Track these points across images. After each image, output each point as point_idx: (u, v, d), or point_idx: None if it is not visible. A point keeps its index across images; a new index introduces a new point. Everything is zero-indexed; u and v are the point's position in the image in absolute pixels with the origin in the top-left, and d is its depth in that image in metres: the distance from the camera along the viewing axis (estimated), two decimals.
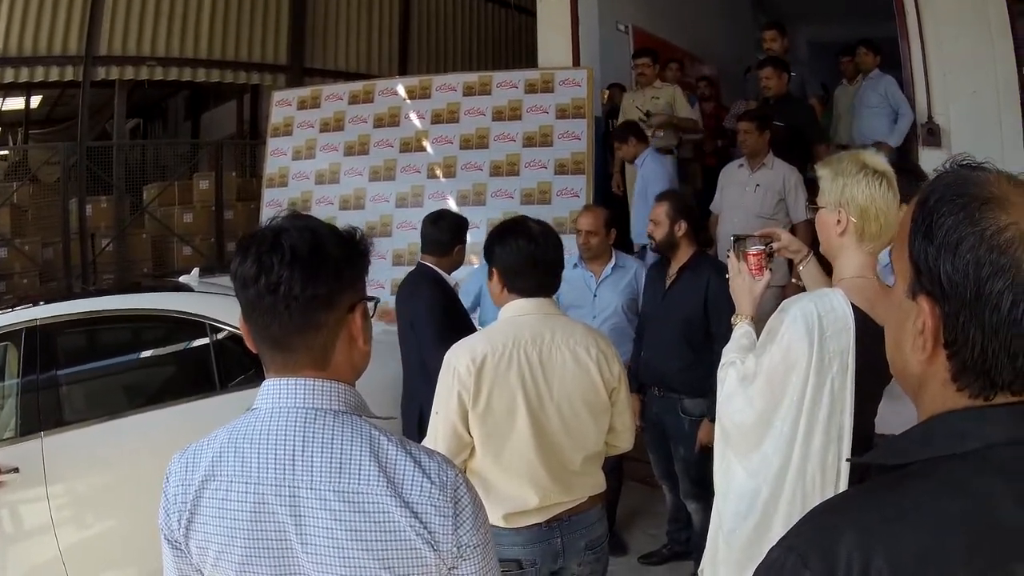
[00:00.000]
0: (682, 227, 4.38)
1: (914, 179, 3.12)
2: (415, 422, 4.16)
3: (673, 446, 4.51)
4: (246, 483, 1.49)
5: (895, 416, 2.43)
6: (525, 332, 2.72)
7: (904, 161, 5.39)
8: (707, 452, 3.42)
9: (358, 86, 8.45)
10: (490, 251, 2.86)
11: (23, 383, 4.08)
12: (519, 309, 2.79)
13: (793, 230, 5.45)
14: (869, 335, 2.21)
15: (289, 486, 1.47)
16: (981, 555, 0.89)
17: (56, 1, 10.67)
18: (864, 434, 2.38)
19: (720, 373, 2.60)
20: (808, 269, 2.73)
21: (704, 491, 3.87)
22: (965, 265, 0.96)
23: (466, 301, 5.03)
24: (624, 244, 6.14)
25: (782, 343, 2.34)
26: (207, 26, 11.90)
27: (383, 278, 7.08)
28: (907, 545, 0.92)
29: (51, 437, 3.98)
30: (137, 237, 10.94)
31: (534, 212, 4.94)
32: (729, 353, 2.61)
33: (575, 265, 5.01)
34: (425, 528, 1.46)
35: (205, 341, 4.45)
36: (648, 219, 4.59)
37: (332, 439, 1.49)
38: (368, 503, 1.45)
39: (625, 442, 2.97)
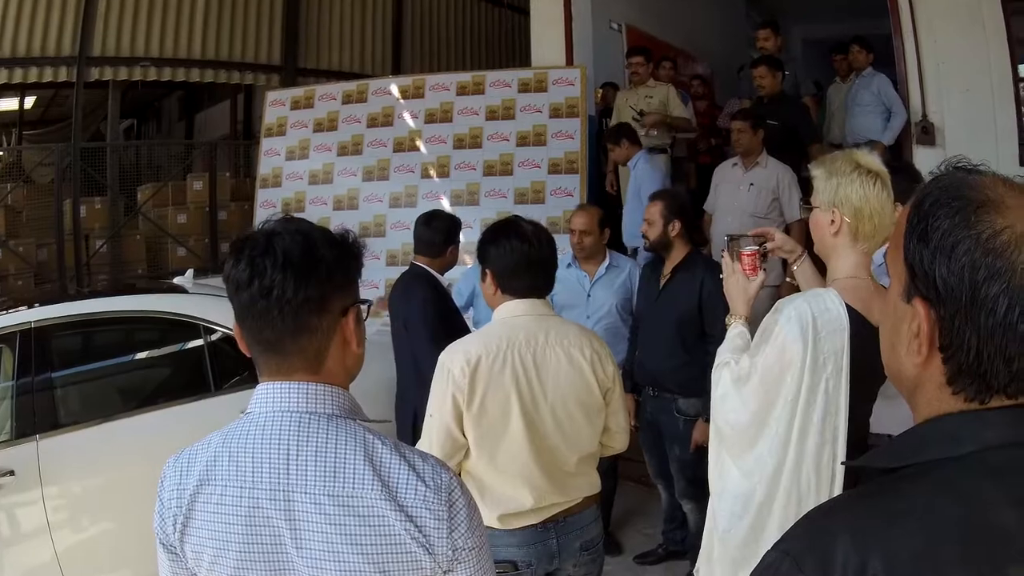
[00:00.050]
0: (676, 227, 4.38)
1: (909, 178, 3.12)
2: (409, 422, 4.17)
3: (668, 446, 4.51)
4: (241, 487, 1.48)
5: (890, 416, 2.44)
6: (519, 333, 2.72)
7: (898, 160, 5.40)
8: (702, 452, 3.42)
9: (351, 86, 8.43)
10: (483, 252, 2.85)
11: (18, 385, 4.06)
12: (513, 310, 2.78)
13: (787, 229, 5.46)
14: (863, 336, 2.21)
15: (284, 490, 1.47)
16: (976, 558, 0.89)
17: (49, 2, 10.68)
18: (859, 435, 2.38)
19: (714, 373, 2.59)
20: (802, 269, 2.73)
21: (699, 491, 3.87)
22: (960, 269, 0.96)
23: (459, 301, 5.03)
24: (616, 246, 6.14)
25: (776, 343, 2.34)
26: (200, 26, 11.89)
27: (377, 278, 7.10)
28: (903, 548, 0.92)
29: (46, 440, 3.97)
30: (131, 238, 10.91)
31: (528, 211, 4.94)
32: (723, 353, 2.61)
33: (569, 265, 5.00)
34: (420, 531, 1.46)
35: (200, 342, 4.45)
36: (641, 221, 4.59)
37: (326, 443, 1.48)
38: (363, 507, 1.45)
39: (620, 443, 2.97)
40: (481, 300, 4.70)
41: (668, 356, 4.39)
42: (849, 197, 2.36)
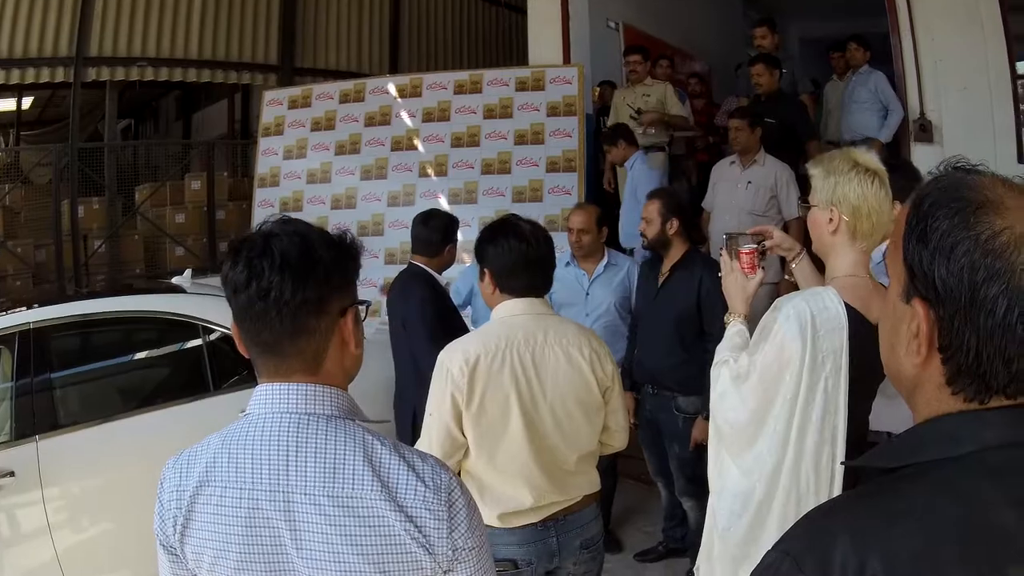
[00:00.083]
0: (674, 225, 4.38)
1: (907, 176, 3.12)
2: (408, 421, 4.17)
3: (667, 444, 4.51)
4: (240, 488, 1.48)
5: (890, 414, 2.44)
6: (518, 332, 2.72)
7: (896, 158, 5.40)
8: (701, 450, 3.43)
9: (349, 85, 8.43)
10: (481, 252, 2.84)
11: (17, 386, 4.06)
12: (511, 309, 2.78)
13: (786, 227, 5.46)
14: (862, 334, 2.21)
15: (283, 491, 1.47)
16: (976, 559, 0.89)
17: (47, 2, 10.66)
18: (858, 433, 2.39)
19: (713, 372, 2.59)
20: (801, 267, 2.73)
21: (699, 488, 3.87)
22: (960, 269, 0.96)
23: (457, 300, 5.02)
24: (614, 246, 6.13)
25: (775, 341, 2.34)
26: (197, 26, 11.88)
27: (375, 277, 7.10)
28: (902, 548, 0.92)
29: (46, 440, 3.97)
30: (129, 238, 10.92)
31: (526, 210, 4.95)
32: (722, 351, 2.61)
33: (567, 263, 5.00)
34: (420, 532, 1.46)
35: (198, 342, 4.45)
36: (638, 222, 4.59)
37: (325, 444, 1.48)
38: (362, 507, 1.45)
39: (619, 441, 2.97)
40: (479, 299, 4.69)
41: (667, 354, 4.39)
42: (847, 195, 2.36)
